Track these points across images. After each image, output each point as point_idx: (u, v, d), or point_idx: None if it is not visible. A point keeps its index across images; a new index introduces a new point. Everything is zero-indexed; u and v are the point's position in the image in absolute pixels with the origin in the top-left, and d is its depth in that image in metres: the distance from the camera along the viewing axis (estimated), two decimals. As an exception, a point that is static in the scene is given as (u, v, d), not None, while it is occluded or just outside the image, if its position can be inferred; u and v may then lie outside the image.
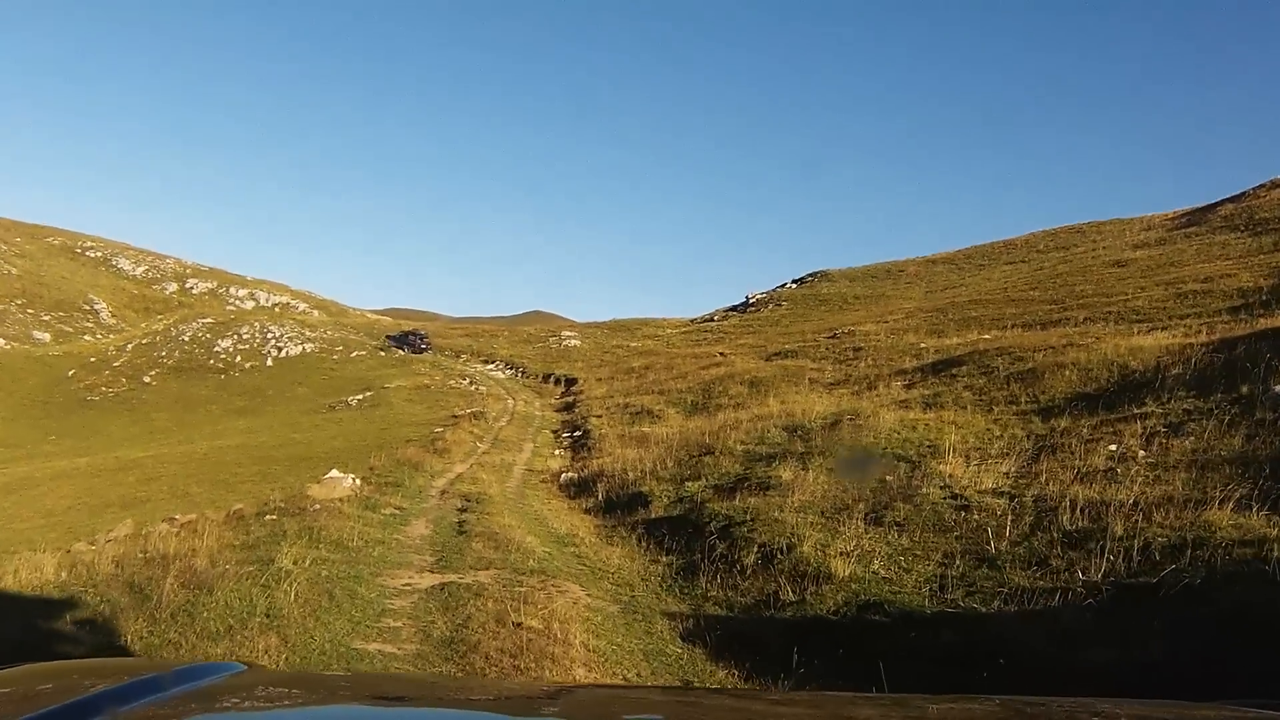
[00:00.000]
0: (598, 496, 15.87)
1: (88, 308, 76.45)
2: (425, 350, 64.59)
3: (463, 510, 14.16)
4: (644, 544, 11.98)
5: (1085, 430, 12.00)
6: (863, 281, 70.32)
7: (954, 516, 9.47)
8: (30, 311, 71.01)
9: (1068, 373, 16.75)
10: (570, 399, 39.77)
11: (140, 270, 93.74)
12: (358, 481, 15.14)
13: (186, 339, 65.75)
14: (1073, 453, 10.99)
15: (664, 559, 11.02)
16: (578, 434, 28.30)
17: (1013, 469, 10.81)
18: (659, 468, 15.90)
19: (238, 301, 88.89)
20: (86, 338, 70.57)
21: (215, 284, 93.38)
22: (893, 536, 9.27)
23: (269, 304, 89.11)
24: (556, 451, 25.86)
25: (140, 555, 9.51)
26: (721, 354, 43.26)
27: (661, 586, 9.95)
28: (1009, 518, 8.91)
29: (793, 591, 8.27)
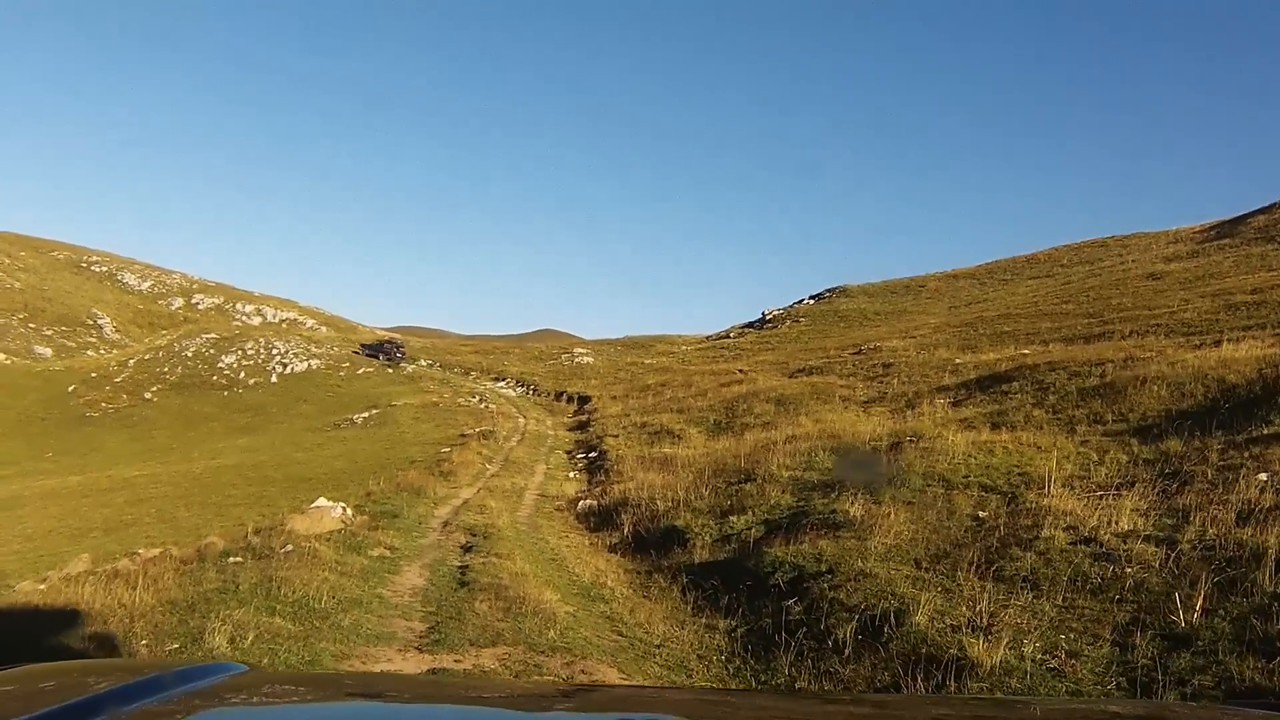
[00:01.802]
0: (623, 531, 13.84)
1: (91, 322, 74.94)
2: (401, 359, 64.47)
3: (467, 549, 12.16)
4: (690, 599, 9.88)
5: (1212, 455, 10.03)
6: (882, 297, 68.79)
7: (1097, 570, 7.47)
8: (32, 326, 69.54)
9: (1155, 388, 14.88)
10: (584, 417, 38.17)
11: (146, 285, 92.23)
12: (348, 511, 13.18)
13: (190, 354, 64.14)
14: (1212, 483, 9.04)
15: (721, 623, 8.87)
16: (593, 455, 26.63)
17: (1143, 504, 8.81)
18: (693, 497, 13.89)
19: (244, 317, 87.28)
20: (89, 353, 69.04)
21: (222, 299, 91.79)
22: (1028, 599, 7.23)
23: (276, 320, 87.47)
24: (571, 474, 24.05)
25: (62, 613, 7.63)
26: (741, 371, 41.82)
27: (728, 669, 7.76)
28: (1177, 574, 6.93)
29: (926, 690, 6.17)
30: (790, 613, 8.18)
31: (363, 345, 69.36)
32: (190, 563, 9.84)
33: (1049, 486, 9.85)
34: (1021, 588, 7.43)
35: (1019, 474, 10.89)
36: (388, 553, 11.45)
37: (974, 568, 7.91)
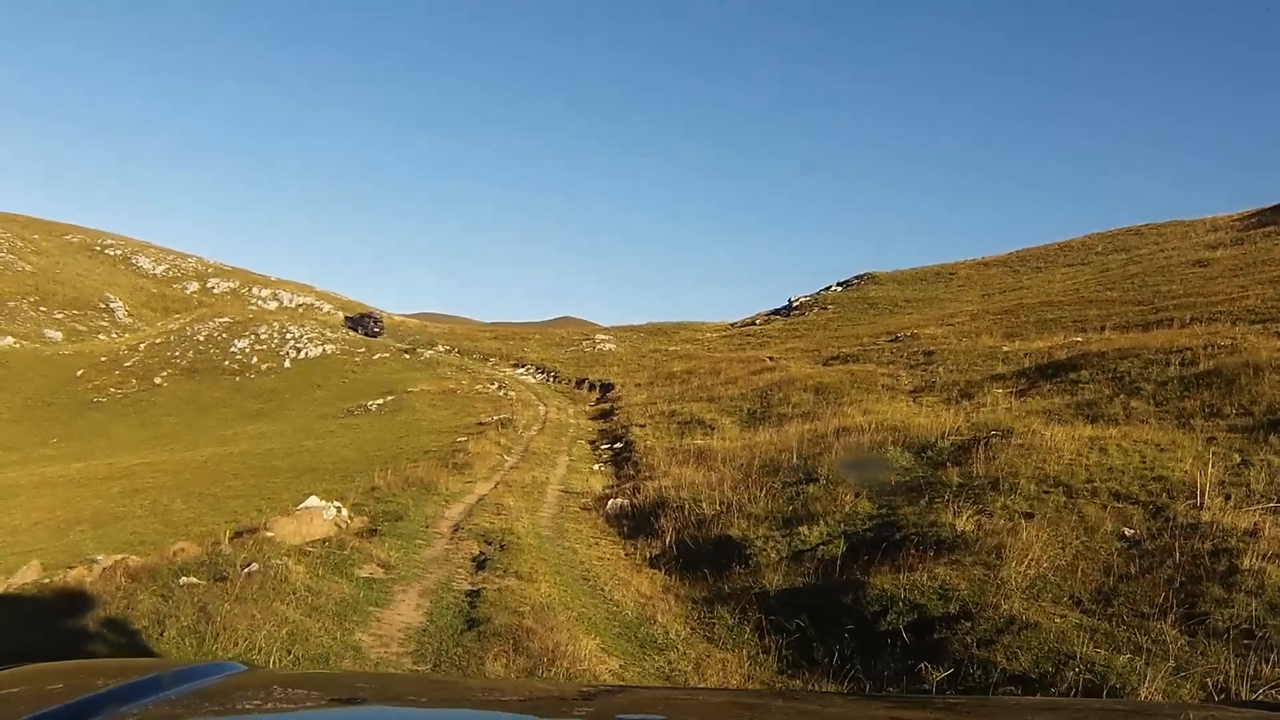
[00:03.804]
0: (664, 539, 11.81)
1: (103, 306, 73.52)
2: (378, 334, 67.39)
3: (479, 565, 10.13)
4: (773, 647, 7.69)
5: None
6: (912, 284, 67.10)
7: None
8: (43, 309, 68.15)
9: (1275, 376, 12.93)
10: (607, 405, 36.45)
11: (161, 269, 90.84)
12: (344, 512, 11.23)
13: (202, 339, 62.53)
14: None
15: (826, 690, 6.41)
16: (619, 446, 24.87)
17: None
18: (744, 499, 11.84)
19: (260, 301, 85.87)
20: (101, 337, 67.66)
21: (238, 283, 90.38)
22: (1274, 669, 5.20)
23: (292, 304, 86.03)
24: (596, 466, 22.22)
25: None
26: (771, 358, 40.17)
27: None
28: None
29: None
30: (925, 676, 6.09)
31: (347, 317, 72.73)
32: (139, 578, 7.97)
33: (1203, 497, 7.87)
34: (1256, 650, 5.42)
35: (1153, 479, 8.92)
36: (380, 572, 9.24)
37: (1167, 614, 5.92)
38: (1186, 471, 8.76)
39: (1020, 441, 10.81)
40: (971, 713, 2.18)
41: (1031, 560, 7.14)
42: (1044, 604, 6.52)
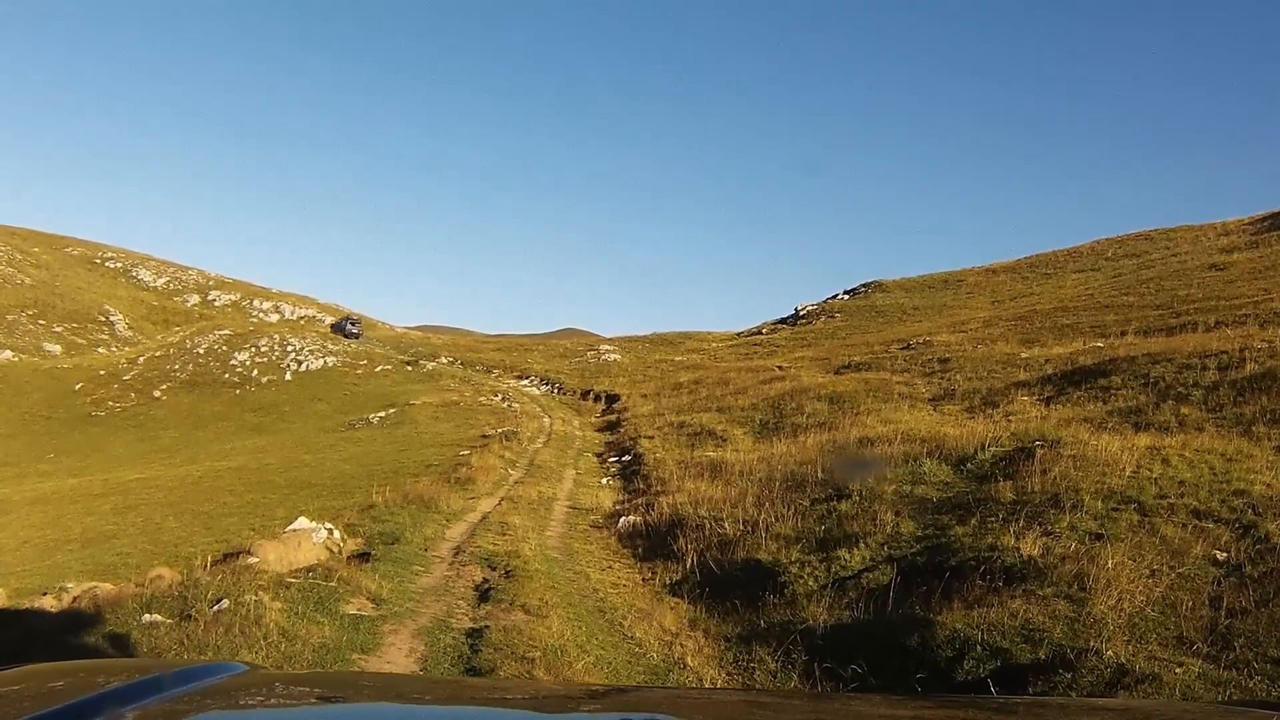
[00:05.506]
0: (685, 563, 10.77)
1: (103, 319, 72.83)
2: (356, 335, 70.41)
3: (482, 596, 9.18)
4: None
5: None
6: (920, 292, 66.52)
7: None
8: (42, 322, 67.47)
9: (1340, 380, 12.08)
10: (614, 417, 35.67)
11: (161, 281, 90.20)
12: (336, 534, 10.33)
13: (202, 352, 61.75)
14: None
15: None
16: (627, 458, 24.05)
17: None
18: (771, 518, 10.85)
19: (262, 314, 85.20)
20: (100, 350, 66.94)
21: (239, 296, 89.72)
22: None
23: (294, 317, 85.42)
24: (604, 480, 21.36)
25: None
26: (780, 367, 39.44)
27: None
28: None
29: None
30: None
31: (333, 325, 75.60)
32: (102, 612, 7.08)
33: (1300, 515, 6.98)
34: None
35: (1232, 493, 8.02)
36: (369, 607, 8.18)
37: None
38: (1269, 485, 7.91)
39: (1071, 452, 9.91)
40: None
41: (1122, 592, 6.23)
42: (1152, 648, 5.58)
